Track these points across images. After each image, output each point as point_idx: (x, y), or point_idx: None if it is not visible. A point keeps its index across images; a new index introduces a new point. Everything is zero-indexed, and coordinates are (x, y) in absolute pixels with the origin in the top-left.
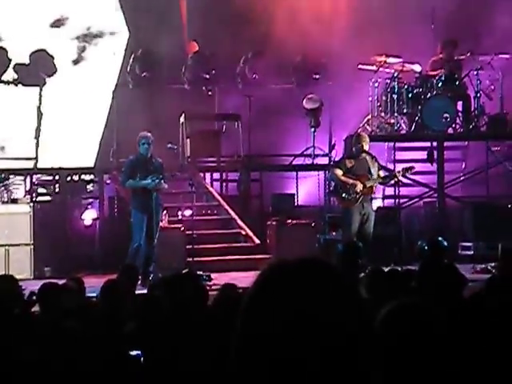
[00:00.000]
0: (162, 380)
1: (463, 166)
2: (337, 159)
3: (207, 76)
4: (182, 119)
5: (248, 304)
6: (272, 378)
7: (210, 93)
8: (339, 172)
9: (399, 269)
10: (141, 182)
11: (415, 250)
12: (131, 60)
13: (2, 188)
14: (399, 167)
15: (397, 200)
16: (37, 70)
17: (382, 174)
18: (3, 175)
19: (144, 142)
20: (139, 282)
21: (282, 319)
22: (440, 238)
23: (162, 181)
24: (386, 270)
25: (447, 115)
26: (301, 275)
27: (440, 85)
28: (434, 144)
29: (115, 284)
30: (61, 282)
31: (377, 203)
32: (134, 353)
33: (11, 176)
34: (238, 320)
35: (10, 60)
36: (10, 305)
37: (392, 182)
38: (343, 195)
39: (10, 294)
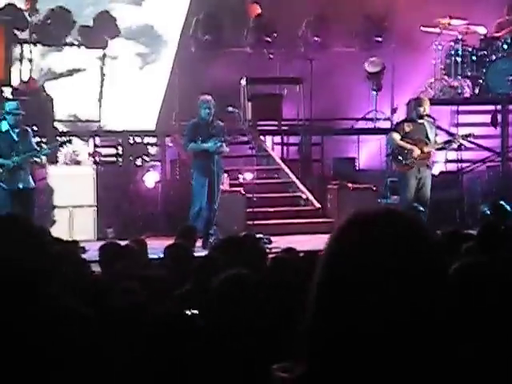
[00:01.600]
0: (219, 340)
1: None
2: (396, 123)
3: (269, 39)
4: (243, 82)
5: (329, 252)
6: (353, 331)
7: (271, 56)
8: (397, 136)
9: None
10: (202, 145)
11: (478, 213)
12: (193, 23)
13: (66, 150)
14: (459, 132)
15: (459, 164)
16: (100, 32)
17: (438, 139)
18: (67, 138)
19: (206, 107)
20: (200, 245)
21: (365, 267)
22: (503, 202)
23: (224, 144)
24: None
25: None
26: (383, 224)
27: (505, 47)
28: (498, 107)
29: (178, 247)
30: (123, 243)
31: (439, 167)
32: (190, 312)
33: (74, 138)
34: (317, 270)
35: (75, 22)
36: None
37: (452, 147)
38: (400, 159)
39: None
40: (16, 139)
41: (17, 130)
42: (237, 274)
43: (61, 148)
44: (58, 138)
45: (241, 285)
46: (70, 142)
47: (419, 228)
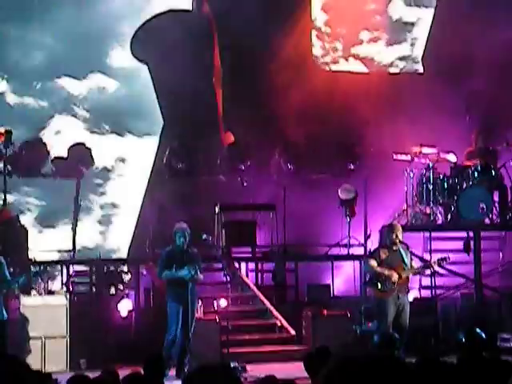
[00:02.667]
0: None
1: (501, 256)
2: (371, 250)
3: (242, 167)
4: (216, 209)
5: None
6: None
7: (245, 183)
8: (374, 263)
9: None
10: (177, 273)
11: (453, 341)
12: (167, 151)
13: (39, 280)
14: (434, 258)
15: (434, 290)
16: (75, 163)
17: (414, 264)
18: (40, 268)
19: (180, 235)
20: (174, 374)
21: None
22: (478, 330)
23: (198, 271)
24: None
25: (483, 205)
26: (370, 372)
27: (476, 175)
28: (471, 234)
29: (137, 377)
30: (95, 374)
31: (413, 294)
32: None
33: (48, 268)
34: None
35: (49, 153)
36: None
37: (427, 272)
38: (379, 286)
39: None
40: None
41: None
42: None
43: (34, 278)
44: (31, 267)
45: None
46: (43, 272)
47: (406, 376)
